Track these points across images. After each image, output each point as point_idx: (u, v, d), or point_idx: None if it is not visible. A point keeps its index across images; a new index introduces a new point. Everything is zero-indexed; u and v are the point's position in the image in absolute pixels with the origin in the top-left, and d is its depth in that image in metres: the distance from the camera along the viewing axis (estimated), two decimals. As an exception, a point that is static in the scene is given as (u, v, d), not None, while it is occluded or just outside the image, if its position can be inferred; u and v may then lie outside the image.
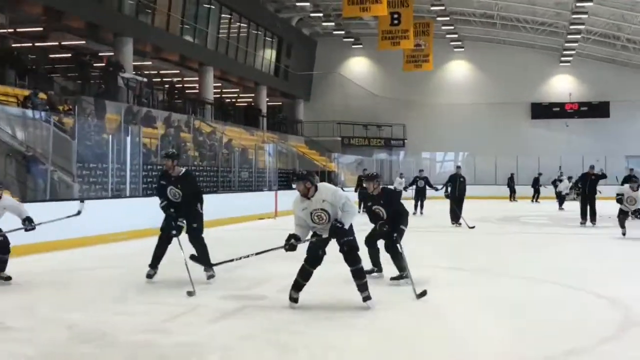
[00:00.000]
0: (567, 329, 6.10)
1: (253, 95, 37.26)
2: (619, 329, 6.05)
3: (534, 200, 32.66)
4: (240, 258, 7.20)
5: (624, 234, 13.98)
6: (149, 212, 12.91)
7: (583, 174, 19.41)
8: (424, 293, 7.04)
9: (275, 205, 21.01)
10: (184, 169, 8.78)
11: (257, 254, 7.06)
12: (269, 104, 37.82)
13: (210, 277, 8.26)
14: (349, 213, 6.65)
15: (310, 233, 6.80)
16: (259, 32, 35.04)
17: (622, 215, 13.99)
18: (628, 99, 39.74)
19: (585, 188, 18.32)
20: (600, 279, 8.68)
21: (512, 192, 34.33)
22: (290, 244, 6.63)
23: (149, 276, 8.29)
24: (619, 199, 14.02)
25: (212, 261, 8.07)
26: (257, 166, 25.18)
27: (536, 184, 33.23)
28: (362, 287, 6.65)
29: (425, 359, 5.21)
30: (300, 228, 6.74)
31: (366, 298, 6.63)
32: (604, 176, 18.94)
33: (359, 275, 6.68)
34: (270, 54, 36.93)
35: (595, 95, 40.59)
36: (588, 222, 17.83)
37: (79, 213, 8.56)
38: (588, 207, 18.06)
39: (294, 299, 6.73)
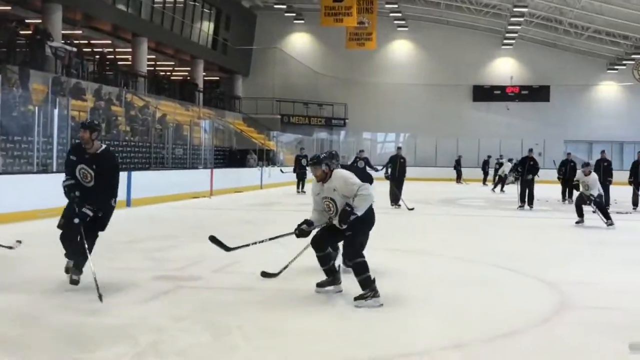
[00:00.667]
0: (505, 311, 6.24)
1: (189, 69, 36.69)
2: (556, 311, 6.23)
3: (484, 183, 33.06)
4: (255, 243, 6.93)
5: (577, 222, 13.95)
6: (77, 188, 12.68)
7: (523, 157, 19.85)
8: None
9: (211, 184, 20.86)
10: (104, 146, 7.12)
11: (270, 239, 6.93)
12: (205, 78, 37.34)
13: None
14: (362, 198, 6.18)
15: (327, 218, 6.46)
16: (197, 3, 34.47)
17: (579, 201, 13.98)
18: (568, 83, 40.78)
19: (525, 172, 18.76)
20: (538, 262, 8.86)
21: (459, 174, 35.00)
22: (301, 229, 6.44)
23: (74, 282, 6.58)
24: (576, 184, 14.27)
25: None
26: (192, 143, 24.94)
27: (485, 167, 33.82)
28: (361, 284, 6.17)
29: (360, 340, 5.21)
30: (316, 213, 6.52)
31: (361, 297, 6.13)
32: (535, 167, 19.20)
33: (356, 271, 6.21)
34: (208, 26, 36.35)
35: (536, 79, 41.46)
36: (526, 206, 18.31)
37: (10, 248, 7.81)
38: (527, 190, 18.54)
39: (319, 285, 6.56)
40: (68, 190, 6.62)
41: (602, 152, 20.14)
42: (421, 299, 6.68)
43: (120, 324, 5.35)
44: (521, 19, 35.89)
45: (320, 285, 6.55)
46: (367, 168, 22.58)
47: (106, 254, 7.90)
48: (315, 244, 6.44)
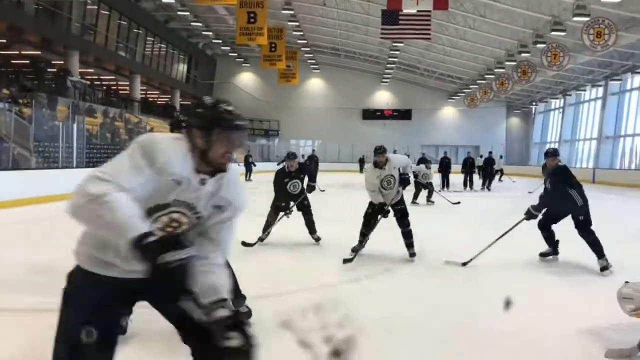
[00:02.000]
0: (382, 256, 6.39)
1: (170, 96, 35.81)
2: (419, 258, 6.42)
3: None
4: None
5: (412, 202, 13.53)
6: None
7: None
8: None
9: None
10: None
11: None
12: (181, 103, 36.51)
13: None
14: (410, 167, 6.38)
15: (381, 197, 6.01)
16: (174, 51, 33.78)
17: (417, 191, 13.92)
18: (424, 107, 41.94)
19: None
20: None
21: (362, 166, 35.85)
22: (386, 210, 6.03)
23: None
24: (415, 174, 14.67)
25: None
26: (173, 149, 24.49)
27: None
28: (410, 245, 6.08)
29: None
30: (375, 194, 6.05)
31: (412, 254, 6.07)
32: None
33: (408, 235, 6.09)
34: (182, 67, 35.64)
35: (403, 105, 42.33)
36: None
37: None
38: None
39: (353, 249, 6.18)
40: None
41: (445, 152, 20.82)
42: (333, 249, 6.76)
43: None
44: (393, 65, 36.59)
45: None
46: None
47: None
48: (370, 227, 6.23)
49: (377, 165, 5.98)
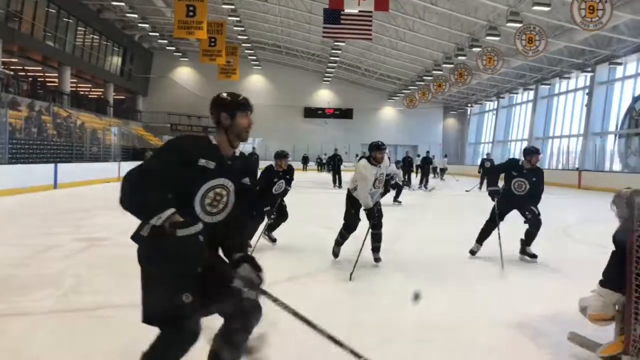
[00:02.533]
0: (320, 253, 6.47)
1: (103, 90, 34.48)
2: (353, 252, 6.51)
3: (319, 171, 34.20)
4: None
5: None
6: (12, 175, 11.86)
7: (332, 154, 20.57)
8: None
9: (119, 172, 19.85)
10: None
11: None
12: (115, 97, 35.27)
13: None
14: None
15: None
16: (108, 43, 32.47)
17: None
18: (365, 107, 42.59)
19: (335, 164, 19.52)
20: (337, 220, 9.17)
21: (305, 164, 36.89)
22: (376, 215, 5.70)
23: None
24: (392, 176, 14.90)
25: None
26: (104, 143, 23.58)
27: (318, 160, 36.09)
28: (377, 249, 5.85)
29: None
30: (367, 197, 5.60)
31: (377, 259, 5.83)
32: (341, 160, 20.19)
33: (379, 238, 5.85)
34: (116, 60, 34.32)
35: (345, 104, 42.83)
36: (336, 186, 19.05)
37: None
38: (337, 176, 19.32)
39: (335, 253, 6.06)
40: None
41: (407, 152, 21.25)
42: (270, 247, 6.78)
43: (46, 274, 5.07)
44: (335, 64, 36.95)
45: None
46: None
47: (38, 223, 7.38)
48: (353, 228, 6.05)
49: (376, 161, 5.61)
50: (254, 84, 42.66)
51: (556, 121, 29.31)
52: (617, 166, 23.20)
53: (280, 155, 6.83)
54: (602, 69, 24.19)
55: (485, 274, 5.64)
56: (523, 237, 6.20)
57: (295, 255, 6.39)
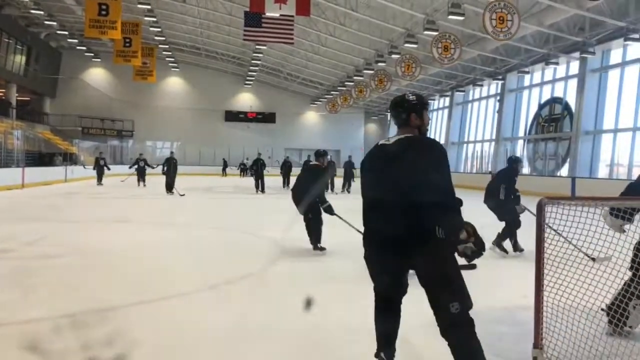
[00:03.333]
0: (241, 260, 6.43)
1: (4, 90, 32.09)
2: (277, 258, 6.55)
3: (241, 176, 33.76)
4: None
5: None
6: None
7: (255, 159, 20.42)
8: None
9: (22, 179, 18.59)
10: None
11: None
12: (18, 98, 32.96)
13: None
14: None
15: None
16: (10, 41, 30.26)
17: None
18: (287, 111, 42.73)
19: (257, 168, 19.40)
20: (265, 227, 9.08)
21: (225, 168, 36.44)
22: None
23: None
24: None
25: None
26: (6, 148, 21.99)
27: (241, 165, 35.88)
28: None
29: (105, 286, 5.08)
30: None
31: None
32: (264, 165, 20.17)
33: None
34: (20, 59, 32.03)
35: (267, 108, 42.75)
36: (259, 192, 18.93)
37: None
38: (259, 181, 19.21)
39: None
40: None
41: (308, 156, 21.44)
42: (182, 255, 6.63)
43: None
44: (256, 68, 36.82)
45: None
46: (146, 166, 22.05)
47: None
48: None
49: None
50: (172, 87, 41.57)
51: (470, 126, 30.90)
52: (526, 170, 24.83)
53: (322, 154, 7.49)
54: (511, 77, 25.82)
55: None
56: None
57: (210, 262, 6.27)
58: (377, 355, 2.94)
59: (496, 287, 5.31)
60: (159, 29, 29.40)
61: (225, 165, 36.73)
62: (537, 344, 2.88)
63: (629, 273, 3.46)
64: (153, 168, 21.58)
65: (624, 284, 3.45)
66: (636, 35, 17.43)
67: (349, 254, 7.00)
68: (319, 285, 5.33)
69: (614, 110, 19.72)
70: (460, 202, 2.58)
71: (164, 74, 39.18)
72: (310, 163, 7.66)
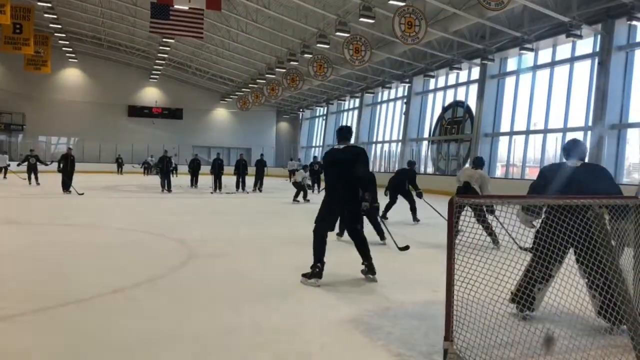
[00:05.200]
0: (148, 261, 6.17)
1: None
2: (186, 259, 6.36)
3: (145, 174, 32.34)
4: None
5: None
6: None
7: (161, 157, 19.69)
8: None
9: None
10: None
11: None
12: None
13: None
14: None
15: None
16: None
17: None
18: (196, 108, 41.70)
19: (164, 167, 18.75)
20: (172, 227, 8.88)
21: (120, 167, 34.58)
22: None
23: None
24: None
25: None
26: None
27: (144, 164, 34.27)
28: None
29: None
30: None
31: None
32: (170, 163, 19.64)
33: None
34: None
35: (174, 104, 41.46)
36: (165, 191, 18.32)
37: None
38: (166, 180, 18.60)
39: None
40: None
41: (218, 154, 20.99)
42: (82, 256, 6.26)
43: None
44: (163, 62, 35.60)
45: None
46: (38, 163, 20.58)
47: None
48: None
49: None
50: (70, 79, 39.14)
51: (379, 127, 31.88)
52: (430, 169, 26.02)
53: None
54: (418, 81, 26.95)
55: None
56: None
57: (114, 265, 5.96)
58: (314, 267, 5.25)
59: (407, 283, 5.50)
60: (55, 16, 27.48)
61: (119, 162, 35.00)
62: (448, 337, 3.00)
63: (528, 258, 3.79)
64: (46, 165, 20.15)
65: (525, 270, 3.77)
66: (529, 46, 18.86)
67: (258, 254, 6.95)
68: (230, 285, 5.24)
69: (510, 115, 21.21)
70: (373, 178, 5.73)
71: (61, 65, 36.82)
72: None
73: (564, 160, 4.21)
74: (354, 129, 33.83)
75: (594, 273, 3.37)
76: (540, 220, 3.77)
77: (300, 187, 16.02)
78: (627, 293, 3.15)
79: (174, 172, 25.64)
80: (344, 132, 5.75)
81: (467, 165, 6.71)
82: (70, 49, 35.53)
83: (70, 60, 37.34)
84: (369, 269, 5.52)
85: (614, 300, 3.35)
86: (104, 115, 38.88)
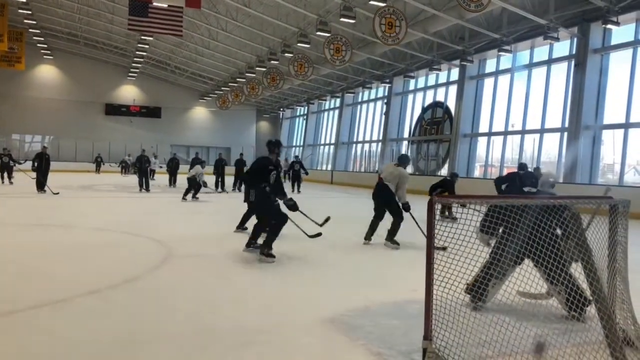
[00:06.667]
0: (125, 262, 6.09)
1: None
2: (163, 260, 6.30)
3: (122, 174, 31.93)
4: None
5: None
6: None
7: (139, 156, 19.49)
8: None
9: None
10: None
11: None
12: None
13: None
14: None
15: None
16: None
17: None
18: (174, 106, 41.32)
19: (141, 165, 18.57)
20: (150, 227, 8.73)
21: (99, 166, 34.10)
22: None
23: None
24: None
25: None
26: None
27: (122, 163, 33.87)
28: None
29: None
30: None
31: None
32: (148, 162, 19.44)
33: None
34: None
35: (152, 102, 41.01)
36: (143, 190, 18.11)
37: None
38: (144, 179, 18.39)
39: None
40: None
41: (197, 153, 20.93)
42: (42, 261, 6.15)
43: None
44: (141, 59, 35.19)
45: None
46: (11, 162, 20.18)
47: None
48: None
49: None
50: (45, 76, 38.44)
51: (359, 127, 31.99)
52: (409, 169, 26.17)
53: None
54: (398, 81, 27.12)
55: (300, 275, 5.88)
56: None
57: (90, 266, 5.88)
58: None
59: (387, 282, 5.53)
60: (29, 12, 26.97)
61: (99, 161, 34.48)
62: (427, 336, 3.03)
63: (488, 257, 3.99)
64: (20, 164, 19.78)
65: (483, 267, 3.91)
66: (508, 47, 19.12)
67: (237, 254, 6.92)
68: (209, 285, 5.20)
69: (489, 115, 21.47)
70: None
71: (36, 62, 36.20)
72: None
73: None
74: (334, 129, 34.19)
75: (555, 269, 3.49)
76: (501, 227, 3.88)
77: (192, 183, 14.94)
78: (601, 291, 3.21)
79: (152, 173, 25.33)
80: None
81: (391, 161, 6.73)
82: (46, 46, 34.92)
83: (45, 57, 36.70)
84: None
85: (579, 291, 3.69)
86: (80, 113, 38.29)
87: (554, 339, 3.43)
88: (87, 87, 38.47)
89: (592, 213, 3.52)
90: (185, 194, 15.09)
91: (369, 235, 7.83)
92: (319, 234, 7.38)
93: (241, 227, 8.76)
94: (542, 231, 3.36)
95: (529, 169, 10.66)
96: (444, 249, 3.20)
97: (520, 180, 9.02)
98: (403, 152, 26.93)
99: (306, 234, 7.35)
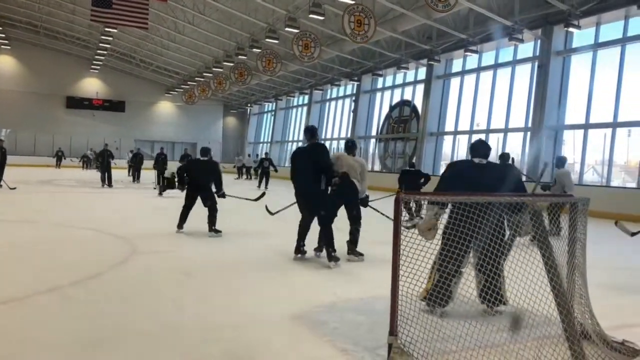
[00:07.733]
0: (88, 259, 5.97)
1: None
2: (127, 256, 6.20)
3: (84, 169, 31.19)
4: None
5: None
6: None
7: (101, 150, 19.06)
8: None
9: None
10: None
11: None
12: None
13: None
14: None
15: None
16: None
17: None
18: (139, 100, 40.63)
19: (104, 160, 18.22)
20: (113, 223, 8.61)
21: (59, 160, 33.53)
22: None
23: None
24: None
25: None
26: None
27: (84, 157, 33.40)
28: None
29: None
30: None
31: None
32: (111, 156, 19.02)
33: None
34: None
35: (116, 96, 40.25)
36: (106, 185, 17.77)
37: None
38: (106, 174, 18.08)
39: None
40: None
41: (162, 148, 20.53)
42: (22, 254, 5.98)
43: None
44: (105, 52, 34.43)
45: None
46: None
47: None
48: None
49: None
50: (3, 67, 37.29)
51: (327, 124, 32.06)
52: (377, 166, 26.40)
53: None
54: (366, 79, 27.28)
55: (267, 272, 5.87)
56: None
57: (51, 263, 5.74)
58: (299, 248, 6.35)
59: (353, 278, 5.58)
60: (-14, -1, 26.10)
61: (59, 155, 33.64)
62: (393, 331, 3.07)
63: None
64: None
65: (435, 267, 3.87)
66: (474, 48, 19.46)
67: (202, 251, 6.87)
68: (173, 282, 5.15)
69: (454, 114, 21.83)
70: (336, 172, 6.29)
71: (-7, 51, 35.01)
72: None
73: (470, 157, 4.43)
74: (302, 126, 34.14)
75: (486, 258, 3.57)
76: (447, 217, 3.83)
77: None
78: (561, 287, 3.32)
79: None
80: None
81: (341, 151, 5.83)
82: (3, 35, 33.84)
83: (3, 47, 35.58)
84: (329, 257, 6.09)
85: (495, 283, 3.83)
86: (40, 105, 37.27)
87: (515, 332, 3.52)
88: (48, 79, 37.47)
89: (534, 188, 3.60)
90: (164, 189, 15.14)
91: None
92: (262, 195, 9.21)
93: (181, 226, 8.39)
94: (489, 217, 3.37)
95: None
96: (414, 226, 3.19)
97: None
98: (370, 150, 27.14)
99: (250, 199, 8.94)
